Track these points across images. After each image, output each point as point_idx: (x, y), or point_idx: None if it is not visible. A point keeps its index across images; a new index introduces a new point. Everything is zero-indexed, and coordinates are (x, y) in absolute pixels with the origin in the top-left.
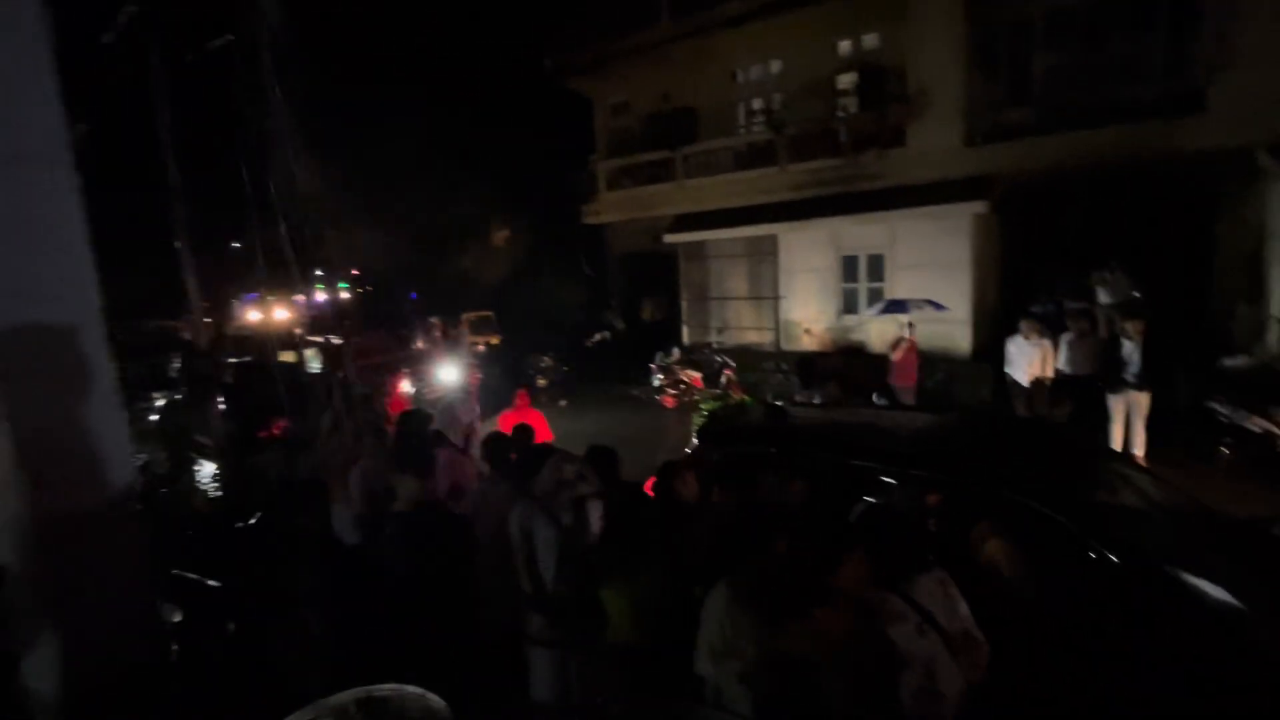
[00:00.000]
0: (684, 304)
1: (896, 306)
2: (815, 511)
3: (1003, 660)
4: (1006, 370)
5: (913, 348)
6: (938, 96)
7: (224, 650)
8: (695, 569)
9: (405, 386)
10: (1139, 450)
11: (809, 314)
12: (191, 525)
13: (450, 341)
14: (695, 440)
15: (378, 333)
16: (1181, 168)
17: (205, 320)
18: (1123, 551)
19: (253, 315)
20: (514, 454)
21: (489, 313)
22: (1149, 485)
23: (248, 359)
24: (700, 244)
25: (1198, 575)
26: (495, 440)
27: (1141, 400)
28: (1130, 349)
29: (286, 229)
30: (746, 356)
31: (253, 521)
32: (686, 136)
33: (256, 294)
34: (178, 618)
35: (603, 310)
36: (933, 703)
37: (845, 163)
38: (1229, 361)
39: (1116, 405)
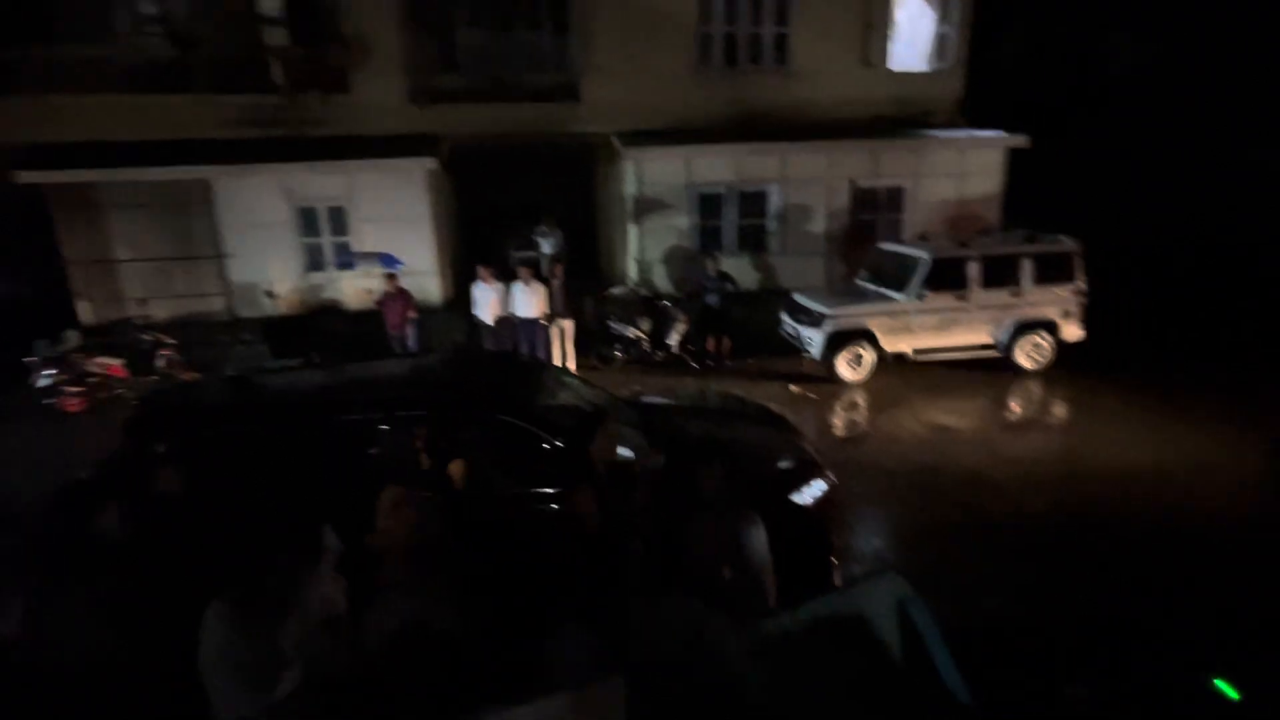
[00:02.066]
0: (74, 271)
1: (346, 263)
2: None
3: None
4: (474, 313)
5: (396, 295)
6: (378, 48)
7: None
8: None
9: None
10: (571, 363)
11: (269, 274)
12: None
13: None
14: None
15: None
16: (576, 143)
17: None
18: (562, 438)
19: None
20: None
21: None
22: (579, 386)
23: None
24: (89, 187)
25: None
26: None
27: (567, 326)
28: (557, 287)
29: None
30: (193, 330)
31: None
32: (27, 29)
33: None
34: None
35: None
36: None
37: (287, 103)
38: (614, 290)
39: (552, 332)
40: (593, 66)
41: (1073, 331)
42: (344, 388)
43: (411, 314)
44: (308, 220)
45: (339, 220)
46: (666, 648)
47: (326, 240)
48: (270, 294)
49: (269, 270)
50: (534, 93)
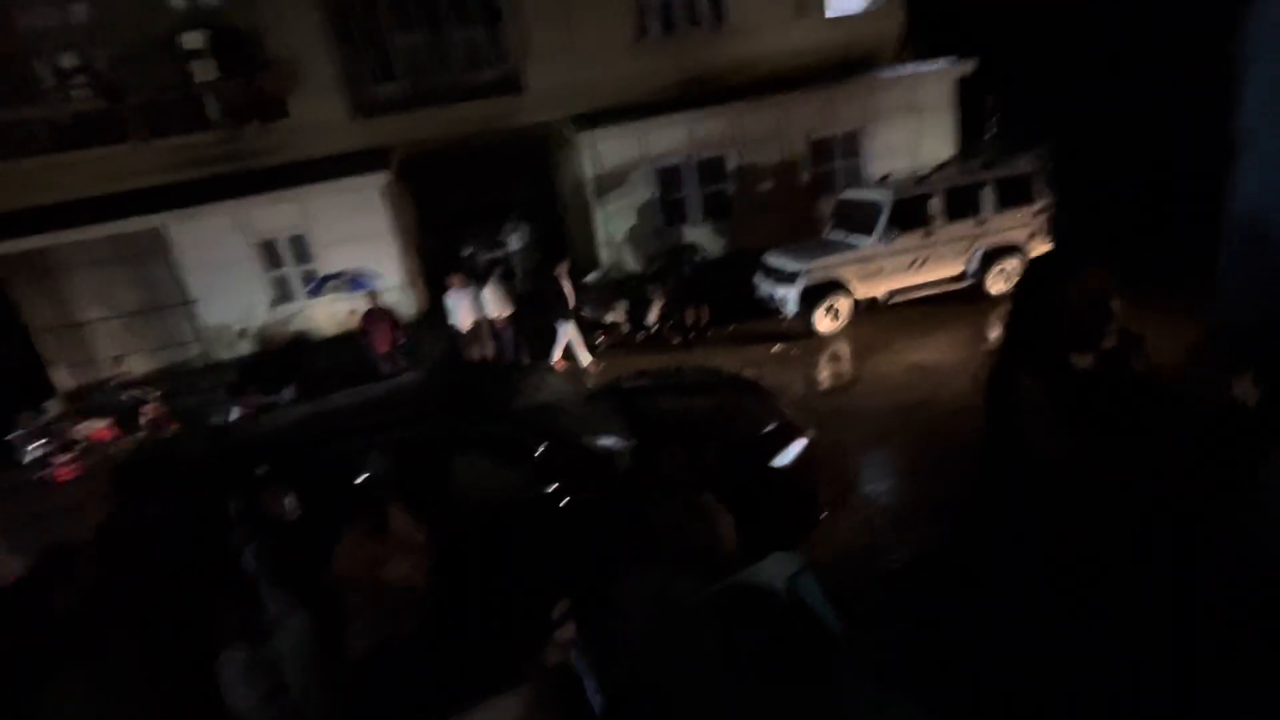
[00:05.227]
0: (42, 339)
1: (316, 289)
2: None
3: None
4: (451, 322)
5: (376, 315)
6: (309, 67)
7: None
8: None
9: None
10: (583, 354)
11: (238, 313)
12: None
13: None
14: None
15: None
16: (527, 135)
17: None
18: (548, 437)
19: None
20: None
21: None
22: (560, 383)
23: None
24: (41, 253)
25: (595, 434)
26: None
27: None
28: (564, 286)
29: None
30: (172, 380)
31: None
32: None
33: None
34: None
35: None
36: None
37: (225, 137)
38: (587, 278)
39: (562, 329)
40: (532, 54)
41: (1040, 250)
42: (326, 420)
43: (397, 333)
44: (269, 253)
45: (301, 248)
46: (638, 615)
47: (292, 270)
48: (243, 333)
49: (237, 310)
50: (476, 90)
